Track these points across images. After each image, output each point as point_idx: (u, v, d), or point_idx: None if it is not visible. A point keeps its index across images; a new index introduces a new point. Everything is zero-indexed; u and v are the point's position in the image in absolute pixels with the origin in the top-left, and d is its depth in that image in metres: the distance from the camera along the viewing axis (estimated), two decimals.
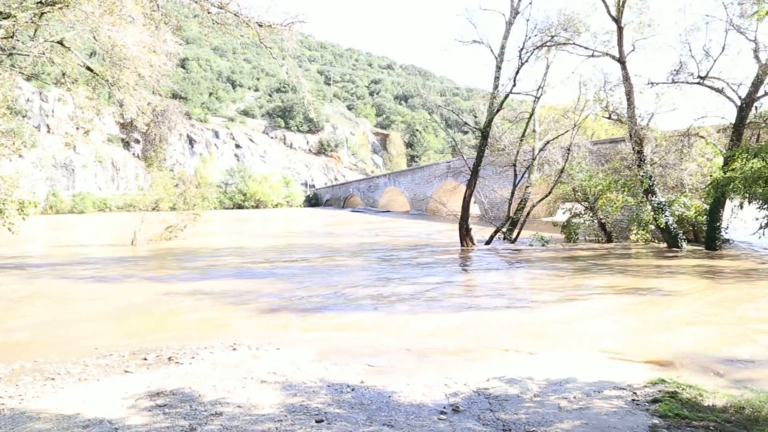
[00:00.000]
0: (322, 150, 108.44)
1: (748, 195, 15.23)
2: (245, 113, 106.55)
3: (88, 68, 14.21)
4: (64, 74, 13.92)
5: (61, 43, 13.64)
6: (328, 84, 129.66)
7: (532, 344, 8.25)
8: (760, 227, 16.55)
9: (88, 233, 38.69)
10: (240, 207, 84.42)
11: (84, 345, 8.34)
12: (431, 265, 18.41)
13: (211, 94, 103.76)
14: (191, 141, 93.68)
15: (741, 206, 17.04)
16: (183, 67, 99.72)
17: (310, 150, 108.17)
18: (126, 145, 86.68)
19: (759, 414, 4.84)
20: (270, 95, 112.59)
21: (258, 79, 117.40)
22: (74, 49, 14.02)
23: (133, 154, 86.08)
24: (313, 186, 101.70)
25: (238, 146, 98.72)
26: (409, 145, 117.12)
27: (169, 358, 7.41)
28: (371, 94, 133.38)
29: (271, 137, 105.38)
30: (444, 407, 5.43)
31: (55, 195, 74.26)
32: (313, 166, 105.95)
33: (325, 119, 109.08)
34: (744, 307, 10.88)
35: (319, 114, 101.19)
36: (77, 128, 14.87)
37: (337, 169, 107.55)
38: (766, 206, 15.95)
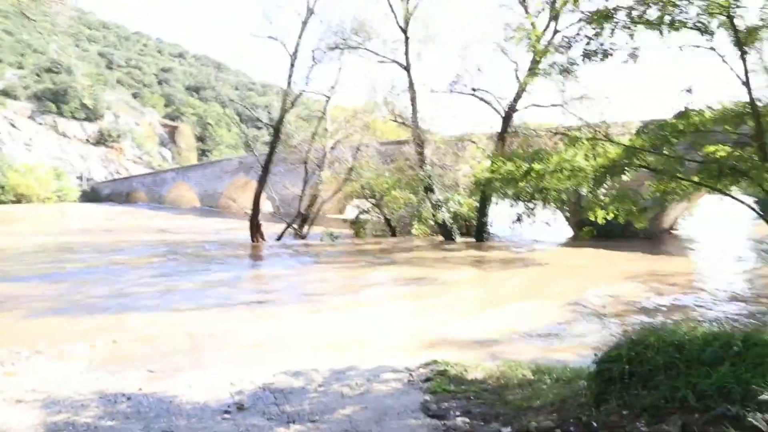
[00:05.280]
0: (101, 140, 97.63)
1: (502, 193, 17.61)
2: (6, 94, 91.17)
3: None
4: None
5: None
6: (111, 68, 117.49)
7: (319, 336, 8.46)
8: (513, 222, 19.25)
9: None
10: None
11: None
12: (220, 261, 17.95)
13: None
14: None
15: (497, 203, 19.72)
16: None
17: (87, 140, 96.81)
18: None
19: (510, 381, 5.57)
20: (38, 75, 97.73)
21: (23, 55, 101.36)
22: None
23: None
24: (91, 179, 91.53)
25: None
26: (201, 139, 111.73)
27: None
28: (160, 82, 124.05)
29: (39, 123, 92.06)
30: (228, 406, 5.29)
31: None
32: (91, 158, 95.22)
33: (106, 106, 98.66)
34: (502, 289, 12.48)
35: (98, 100, 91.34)
36: None
37: (120, 162, 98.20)
38: (515, 203, 18.66)
